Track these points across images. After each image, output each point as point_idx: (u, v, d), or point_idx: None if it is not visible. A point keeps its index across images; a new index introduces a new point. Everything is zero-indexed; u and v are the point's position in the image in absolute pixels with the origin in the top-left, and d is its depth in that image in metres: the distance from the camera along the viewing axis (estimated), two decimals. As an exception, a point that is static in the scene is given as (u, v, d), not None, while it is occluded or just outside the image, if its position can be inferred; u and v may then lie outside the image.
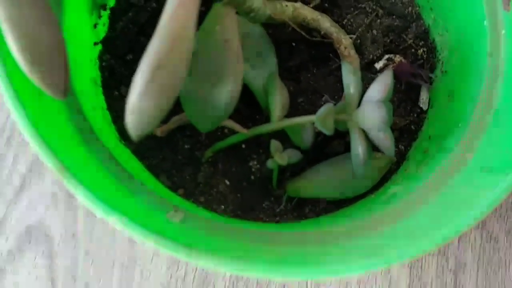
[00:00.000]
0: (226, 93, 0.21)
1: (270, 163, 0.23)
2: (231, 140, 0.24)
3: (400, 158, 0.26)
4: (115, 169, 0.20)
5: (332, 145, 0.26)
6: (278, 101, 0.23)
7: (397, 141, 0.26)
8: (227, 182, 0.26)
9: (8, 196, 0.33)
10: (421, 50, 0.28)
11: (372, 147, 0.24)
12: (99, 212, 0.16)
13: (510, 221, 0.33)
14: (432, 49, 0.27)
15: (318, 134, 0.25)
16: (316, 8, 0.26)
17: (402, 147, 0.27)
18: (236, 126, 0.24)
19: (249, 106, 0.26)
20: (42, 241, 0.33)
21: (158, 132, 0.25)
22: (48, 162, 0.16)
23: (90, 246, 0.33)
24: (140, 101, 0.17)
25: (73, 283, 0.33)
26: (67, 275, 0.33)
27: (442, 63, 0.27)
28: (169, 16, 0.17)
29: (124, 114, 0.16)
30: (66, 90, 0.17)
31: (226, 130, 0.26)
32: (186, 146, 0.26)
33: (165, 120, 0.26)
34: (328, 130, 0.21)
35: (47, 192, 0.34)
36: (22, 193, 0.34)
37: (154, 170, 0.25)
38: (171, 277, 0.33)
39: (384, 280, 0.32)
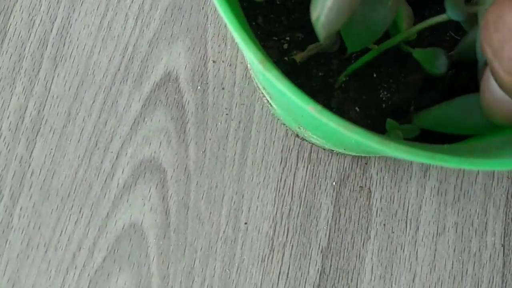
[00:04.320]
0: (384, 13, 0.22)
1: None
2: (364, 58, 0.26)
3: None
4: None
5: (460, 78, 0.27)
6: (405, 12, 0.25)
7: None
8: (357, 109, 0.27)
9: (123, 131, 0.35)
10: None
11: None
12: (300, 100, 0.18)
13: None
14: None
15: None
16: None
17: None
18: (371, 45, 0.25)
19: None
20: (156, 174, 0.35)
21: (298, 58, 0.26)
22: (254, 57, 0.18)
23: (201, 180, 0.35)
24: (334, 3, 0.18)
25: (185, 214, 0.34)
26: (180, 206, 0.34)
27: None
28: None
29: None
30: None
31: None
32: (320, 74, 0.27)
33: (302, 49, 0.27)
34: (460, 15, 0.22)
35: (161, 129, 0.35)
36: (137, 128, 0.35)
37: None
38: (276, 212, 0.35)
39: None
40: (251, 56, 0.18)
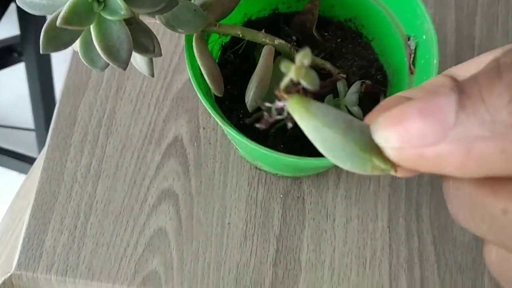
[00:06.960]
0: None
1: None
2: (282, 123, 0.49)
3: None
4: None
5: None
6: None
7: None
8: (282, 146, 0.50)
9: (150, 173, 0.58)
10: (379, 76, 0.53)
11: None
12: (245, 140, 0.41)
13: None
14: (384, 76, 0.53)
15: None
16: (322, 58, 0.52)
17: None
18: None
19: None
20: (172, 198, 0.57)
21: (247, 121, 0.50)
22: (218, 120, 0.41)
23: (199, 199, 0.57)
24: (254, 93, 0.42)
25: (191, 221, 0.56)
26: (187, 216, 0.56)
27: (390, 82, 0.52)
28: (265, 58, 0.42)
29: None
30: (221, 92, 0.42)
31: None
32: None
33: (249, 116, 0.51)
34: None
35: (173, 170, 0.58)
36: (159, 171, 0.58)
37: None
38: (247, 215, 0.57)
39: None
40: (219, 123, 0.41)
